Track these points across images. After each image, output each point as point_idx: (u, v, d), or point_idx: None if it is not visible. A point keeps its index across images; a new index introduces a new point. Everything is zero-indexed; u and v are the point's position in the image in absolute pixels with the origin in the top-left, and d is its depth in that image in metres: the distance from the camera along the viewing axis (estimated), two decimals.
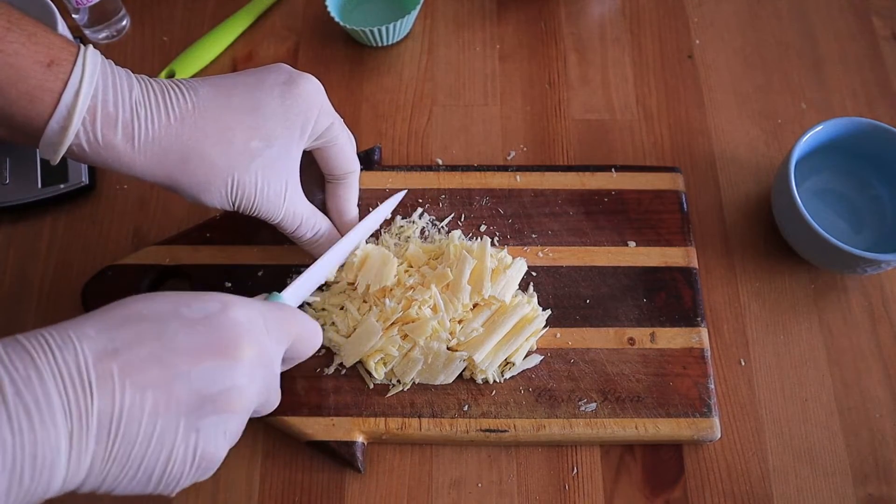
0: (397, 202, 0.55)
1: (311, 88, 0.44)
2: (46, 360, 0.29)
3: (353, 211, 0.52)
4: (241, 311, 0.35)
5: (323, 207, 0.51)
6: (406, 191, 0.56)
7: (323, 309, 0.52)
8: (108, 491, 0.32)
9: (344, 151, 0.48)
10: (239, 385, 0.34)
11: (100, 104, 0.38)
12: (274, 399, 0.39)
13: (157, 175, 0.41)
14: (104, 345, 0.31)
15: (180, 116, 0.40)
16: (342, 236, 0.51)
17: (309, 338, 0.41)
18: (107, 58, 0.40)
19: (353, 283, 0.52)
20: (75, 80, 0.37)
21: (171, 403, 0.32)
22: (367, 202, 0.56)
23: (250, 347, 0.35)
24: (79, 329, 0.31)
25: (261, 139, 0.42)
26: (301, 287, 0.47)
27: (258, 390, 0.36)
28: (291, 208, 0.46)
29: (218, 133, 0.41)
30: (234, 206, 0.44)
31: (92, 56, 0.38)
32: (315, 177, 0.51)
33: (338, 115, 0.48)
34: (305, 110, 0.44)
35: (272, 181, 0.44)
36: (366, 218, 0.52)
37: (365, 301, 0.51)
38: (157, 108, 0.39)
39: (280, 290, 0.44)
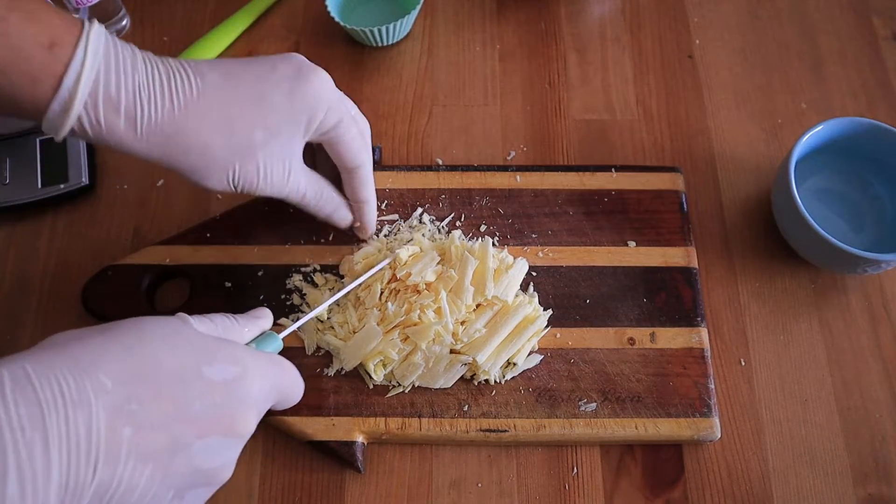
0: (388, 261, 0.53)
1: (320, 85, 0.43)
2: (56, 419, 0.27)
3: (369, 198, 0.50)
4: (258, 381, 0.35)
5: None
6: (393, 257, 0.53)
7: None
8: None
9: (350, 147, 0.46)
10: (233, 459, 0.34)
11: (101, 88, 0.37)
12: None
13: (159, 159, 0.40)
14: (120, 402, 0.30)
15: (184, 104, 0.39)
16: (353, 210, 0.51)
17: (292, 397, 0.40)
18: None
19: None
20: (76, 64, 0.36)
21: (167, 475, 0.31)
22: None
23: (254, 423, 0.35)
24: (95, 377, 0.29)
25: (264, 130, 0.42)
26: (296, 327, 0.46)
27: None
28: (295, 186, 0.45)
29: (220, 123, 0.40)
30: (236, 190, 0.43)
31: (95, 36, 0.37)
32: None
33: (349, 108, 0.46)
34: (312, 106, 0.43)
35: (275, 167, 0.43)
36: (366, 274, 0.51)
37: (366, 307, 0.51)
38: (160, 95, 0.39)
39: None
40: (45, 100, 0.36)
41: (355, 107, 0.48)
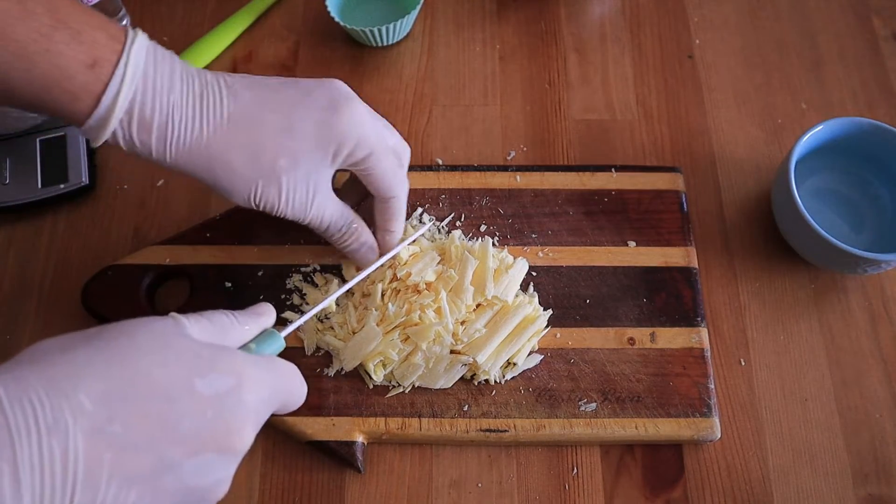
0: (410, 241, 0.52)
1: (350, 118, 0.43)
2: (28, 446, 0.26)
3: (395, 231, 0.50)
4: (254, 391, 0.33)
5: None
6: (426, 226, 0.54)
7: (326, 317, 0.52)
8: None
9: (381, 180, 0.46)
10: (228, 476, 0.33)
11: (137, 107, 0.38)
12: None
13: (186, 173, 0.42)
14: (101, 423, 0.28)
15: (213, 129, 0.40)
16: (376, 243, 0.50)
17: (293, 402, 0.38)
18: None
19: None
20: (115, 85, 0.37)
21: (156, 498, 0.29)
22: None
23: (252, 436, 0.33)
24: (74, 397, 0.27)
25: (288, 158, 0.42)
26: (299, 324, 0.45)
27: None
28: (318, 213, 0.45)
29: (246, 147, 0.41)
30: (258, 209, 0.44)
31: (136, 53, 0.38)
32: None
33: (385, 139, 0.46)
34: (340, 140, 0.43)
35: (297, 191, 0.43)
36: (380, 258, 0.50)
37: (366, 307, 0.51)
38: (192, 116, 0.39)
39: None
40: (83, 115, 0.38)
41: (396, 135, 0.48)
